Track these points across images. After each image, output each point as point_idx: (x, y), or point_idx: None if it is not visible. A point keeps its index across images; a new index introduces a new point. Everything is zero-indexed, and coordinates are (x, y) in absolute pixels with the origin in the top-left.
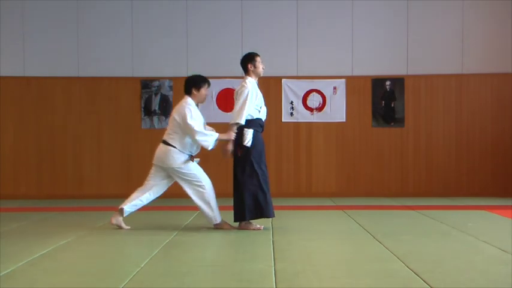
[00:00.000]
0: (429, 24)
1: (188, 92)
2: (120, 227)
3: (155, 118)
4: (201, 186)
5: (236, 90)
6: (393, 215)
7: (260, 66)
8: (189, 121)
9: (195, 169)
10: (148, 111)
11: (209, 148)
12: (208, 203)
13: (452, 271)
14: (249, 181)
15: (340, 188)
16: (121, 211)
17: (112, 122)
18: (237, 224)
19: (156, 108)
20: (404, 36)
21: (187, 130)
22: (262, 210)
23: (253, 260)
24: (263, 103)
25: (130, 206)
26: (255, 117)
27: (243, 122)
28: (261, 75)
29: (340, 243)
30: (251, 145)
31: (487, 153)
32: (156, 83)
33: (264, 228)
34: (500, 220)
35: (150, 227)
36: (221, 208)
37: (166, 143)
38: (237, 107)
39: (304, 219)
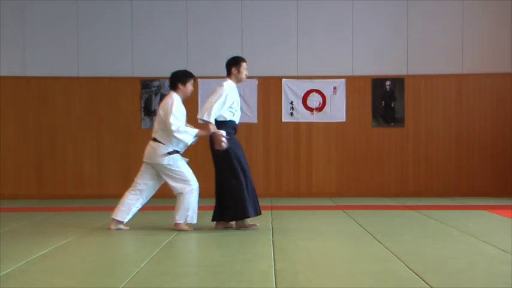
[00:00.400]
0: (429, 24)
1: (174, 87)
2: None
3: (155, 118)
4: (188, 185)
5: (215, 87)
6: (393, 215)
7: (244, 72)
8: (171, 120)
9: (183, 167)
10: (148, 111)
11: (189, 143)
12: (188, 202)
13: (452, 271)
14: (233, 182)
15: (340, 188)
16: (119, 222)
17: (112, 122)
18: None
19: (156, 108)
20: (404, 36)
21: (166, 126)
22: (251, 209)
23: (253, 260)
24: (239, 107)
25: (130, 216)
26: (228, 119)
27: (211, 121)
28: (243, 81)
29: (340, 243)
30: (227, 146)
31: (487, 153)
32: (156, 83)
33: (260, 227)
34: (500, 220)
35: (149, 227)
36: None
37: (154, 139)
38: (208, 104)
39: (304, 219)
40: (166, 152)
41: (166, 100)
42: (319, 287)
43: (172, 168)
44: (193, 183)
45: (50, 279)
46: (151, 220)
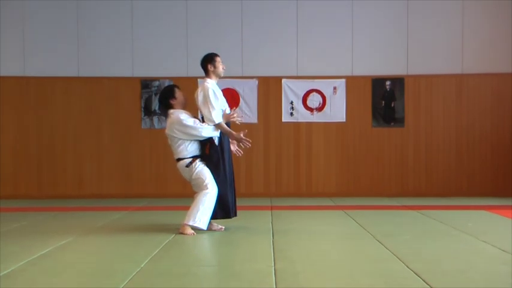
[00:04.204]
0: (429, 24)
1: (168, 106)
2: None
3: (155, 118)
4: (206, 189)
5: (196, 93)
6: (393, 215)
7: (220, 66)
8: (203, 134)
9: (203, 174)
10: (148, 111)
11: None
12: (198, 205)
13: (452, 271)
14: (217, 181)
15: (340, 188)
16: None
17: (112, 122)
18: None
19: (156, 108)
20: (404, 36)
21: (185, 136)
22: (228, 210)
23: (253, 260)
24: (226, 105)
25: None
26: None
27: (219, 120)
28: (222, 75)
29: (340, 243)
30: (217, 146)
31: (487, 153)
32: (156, 83)
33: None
34: (500, 220)
35: (150, 227)
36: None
37: (178, 160)
38: (206, 110)
39: (304, 219)
40: (186, 165)
41: (172, 120)
42: (319, 287)
43: (193, 177)
44: (210, 189)
45: (50, 279)
46: (151, 220)
